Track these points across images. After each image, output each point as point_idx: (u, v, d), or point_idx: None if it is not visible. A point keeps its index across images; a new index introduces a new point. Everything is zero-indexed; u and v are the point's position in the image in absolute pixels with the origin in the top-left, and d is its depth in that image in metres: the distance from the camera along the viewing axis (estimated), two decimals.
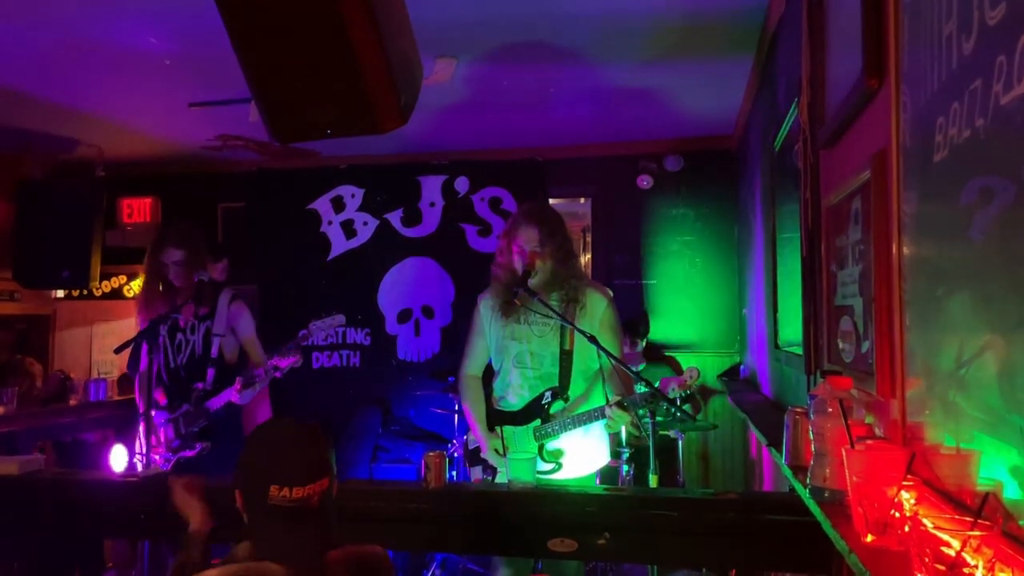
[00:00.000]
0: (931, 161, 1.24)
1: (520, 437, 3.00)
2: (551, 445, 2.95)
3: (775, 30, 3.20)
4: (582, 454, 2.98)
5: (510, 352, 3.03)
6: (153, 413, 3.48)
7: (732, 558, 2.60)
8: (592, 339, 2.71)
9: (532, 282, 2.90)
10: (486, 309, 3.12)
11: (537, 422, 2.97)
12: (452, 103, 4.33)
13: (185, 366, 3.51)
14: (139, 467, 3.25)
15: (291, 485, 1.54)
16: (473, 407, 3.10)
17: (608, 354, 2.74)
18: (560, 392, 2.96)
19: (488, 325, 3.11)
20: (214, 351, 3.49)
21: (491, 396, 3.17)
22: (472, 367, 3.19)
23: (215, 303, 3.54)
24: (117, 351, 3.63)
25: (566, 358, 2.96)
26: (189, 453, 3.40)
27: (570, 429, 2.90)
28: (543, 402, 2.96)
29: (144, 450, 3.17)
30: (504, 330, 3.03)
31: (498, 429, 3.06)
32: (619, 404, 2.74)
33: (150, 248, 3.53)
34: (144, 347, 3.32)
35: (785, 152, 3.22)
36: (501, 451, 2.99)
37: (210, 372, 3.47)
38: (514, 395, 3.04)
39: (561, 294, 2.95)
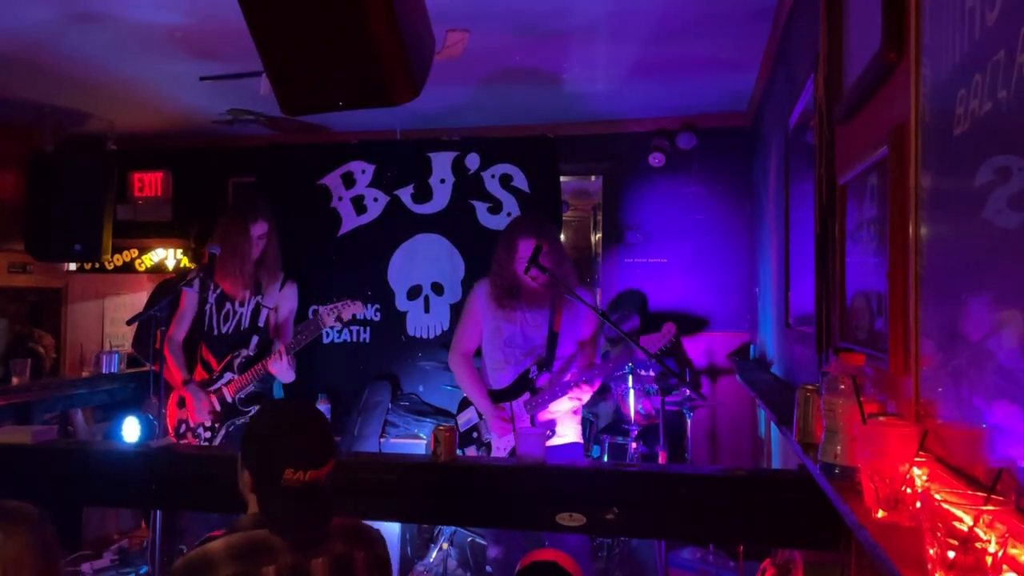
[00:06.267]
0: (950, 135, 1.23)
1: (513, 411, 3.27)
2: (541, 416, 3.25)
3: (791, 5, 3.16)
4: (565, 422, 3.30)
5: (503, 333, 3.31)
6: (196, 382, 3.53)
7: (740, 535, 2.62)
8: (586, 303, 3.20)
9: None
10: (483, 295, 3.37)
11: (526, 396, 3.26)
12: (463, 78, 4.30)
13: (230, 337, 3.53)
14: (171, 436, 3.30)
15: (305, 469, 1.62)
16: (473, 382, 3.34)
17: (601, 313, 3.27)
18: (545, 363, 3.27)
19: (483, 309, 3.37)
20: (261, 321, 3.53)
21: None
22: (464, 348, 3.43)
23: (272, 278, 3.59)
24: (129, 322, 3.64)
25: (553, 337, 3.30)
26: (242, 419, 3.44)
27: (558, 396, 3.21)
28: (530, 376, 3.27)
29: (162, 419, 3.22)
30: (500, 312, 3.30)
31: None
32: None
33: (236, 219, 3.54)
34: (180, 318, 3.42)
35: (800, 129, 3.19)
36: (511, 419, 3.20)
37: (254, 339, 3.50)
38: (501, 372, 3.31)
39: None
